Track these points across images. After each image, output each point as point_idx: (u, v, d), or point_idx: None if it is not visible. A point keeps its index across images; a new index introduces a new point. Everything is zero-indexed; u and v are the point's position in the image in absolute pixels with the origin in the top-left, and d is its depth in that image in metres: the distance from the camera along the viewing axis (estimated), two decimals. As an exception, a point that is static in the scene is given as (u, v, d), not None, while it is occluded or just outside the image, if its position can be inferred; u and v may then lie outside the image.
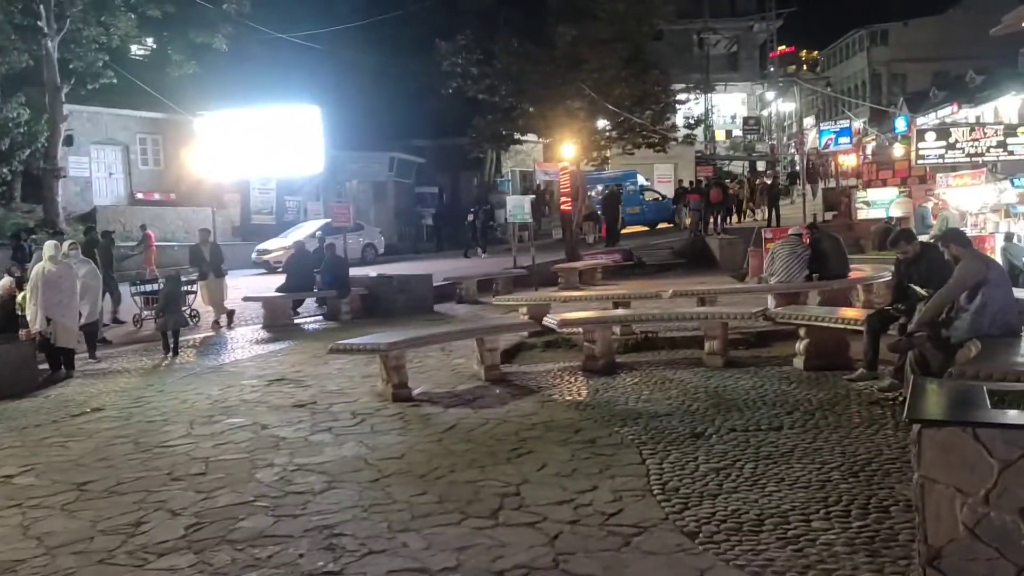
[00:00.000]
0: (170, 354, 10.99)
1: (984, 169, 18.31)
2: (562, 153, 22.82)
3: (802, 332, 8.45)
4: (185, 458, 6.15)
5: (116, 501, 5.27)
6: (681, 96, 29.53)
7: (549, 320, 9.79)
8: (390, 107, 31.71)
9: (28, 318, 9.94)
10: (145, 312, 13.59)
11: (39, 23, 21.22)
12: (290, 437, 6.60)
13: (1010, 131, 19.42)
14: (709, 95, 43.59)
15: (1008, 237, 15.11)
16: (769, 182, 31.68)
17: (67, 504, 5.27)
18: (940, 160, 19.52)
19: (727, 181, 32.96)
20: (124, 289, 14.55)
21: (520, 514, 4.70)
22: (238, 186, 28.67)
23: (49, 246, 10.30)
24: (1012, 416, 3.54)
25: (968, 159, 19.06)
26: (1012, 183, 16.14)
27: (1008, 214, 16.05)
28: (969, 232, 13.17)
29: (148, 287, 14.02)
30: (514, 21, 25.44)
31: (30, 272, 10.56)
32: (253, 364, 10.26)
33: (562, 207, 22.70)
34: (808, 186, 30.16)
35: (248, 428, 6.95)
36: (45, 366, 10.11)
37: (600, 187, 30.07)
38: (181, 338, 11.49)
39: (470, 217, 27.57)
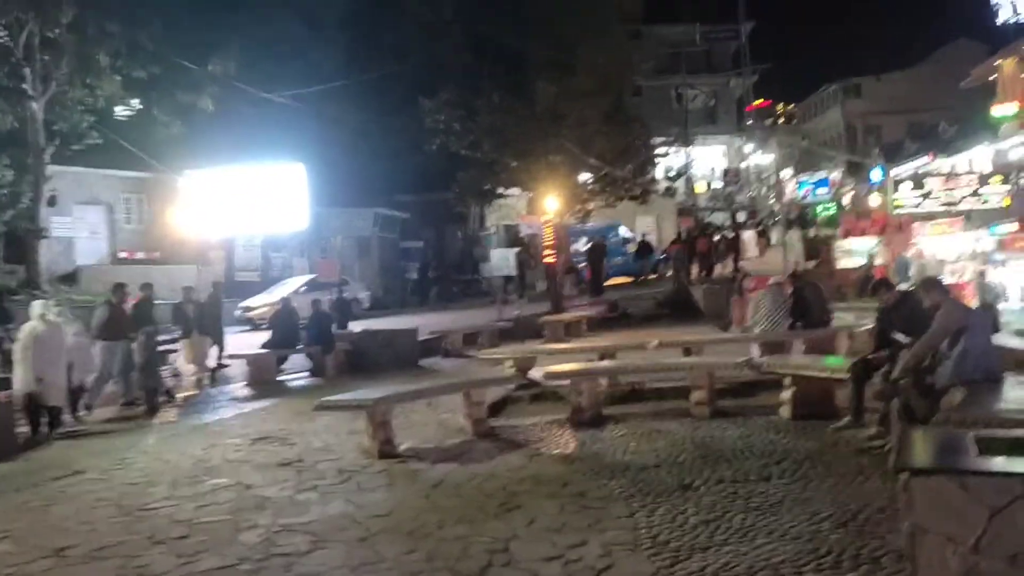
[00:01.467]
0: (152, 413, 10.84)
1: (961, 218, 18.63)
2: (545, 206, 23.03)
3: (787, 381, 8.47)
4: (167, 520, 6.04)
5: (96, 567, 5.16)
6: (661, 149, 29.95)
7: (535, 373, 9.78)
8: (374, 163, 31.94)
9: (17, 378, 9.83)
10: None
11: (24, 86, 21.35)
12: (275, 497, 6.50)
13: (983, 180, 19.82)
14: (688, 148, 44.26)
15: (981, 274, 15.32)
16: (731, 236, 31.83)
17: (46, 571, 5.15)
18: (916, 209, 19.84)
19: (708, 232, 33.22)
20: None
21: (510, 571, 4.63)
22: (223, 243, 28.65)
23: (38, 305, 10.29)
24: (999, 463, 3.56)
25: (943, 208, 19.40)
26: (989, 231, 16.42)
27: (986, 261, 16.29)
28: (947, 280, 13.36)
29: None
30: (496, 77, 25.80)
31: (15, 333, 10.49)
32: (237, 422, 10.14)
33: (546, 259, 22.81)
34: (792, 233, 30.45)
35: (232, 488, 6.84)
36: (24, 429, 9.95)
37: (584, 239, 30.28)
38: (162, 397, 11.37)
39: None
